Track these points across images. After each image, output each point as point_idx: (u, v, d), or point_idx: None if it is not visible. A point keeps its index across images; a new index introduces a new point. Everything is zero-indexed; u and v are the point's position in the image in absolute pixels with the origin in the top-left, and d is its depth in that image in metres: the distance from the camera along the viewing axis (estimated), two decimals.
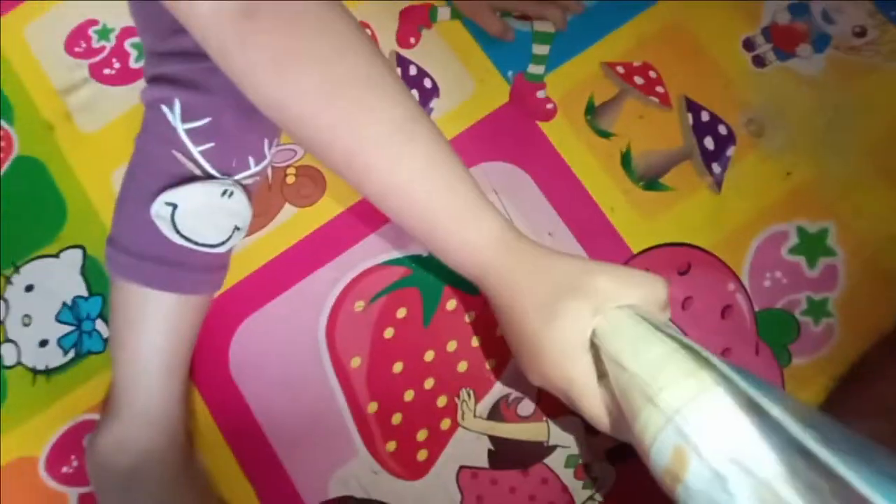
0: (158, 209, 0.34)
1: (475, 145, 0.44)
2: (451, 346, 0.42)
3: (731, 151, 0.43)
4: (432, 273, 0.43)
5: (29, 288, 0.47)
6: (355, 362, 0.42)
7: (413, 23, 0.46)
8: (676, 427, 0.22)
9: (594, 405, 0.28)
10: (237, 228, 0.37)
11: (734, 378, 0.21)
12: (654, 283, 0.29)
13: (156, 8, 0.31)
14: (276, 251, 0.44)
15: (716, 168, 0.43)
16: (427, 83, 0.45)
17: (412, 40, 0.46)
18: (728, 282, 0.42)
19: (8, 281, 0.47)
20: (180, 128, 0.34)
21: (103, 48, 0.49)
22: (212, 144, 0.34)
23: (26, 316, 0.46)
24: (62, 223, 0.47)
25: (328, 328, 0.43)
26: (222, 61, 0.27)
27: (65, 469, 0.43)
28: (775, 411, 0.19)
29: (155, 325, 0.37)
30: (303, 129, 0.28)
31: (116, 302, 0.38)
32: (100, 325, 0.45)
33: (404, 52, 0.46)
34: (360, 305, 0.43)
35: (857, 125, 0.42)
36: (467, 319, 0.42)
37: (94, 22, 0.49)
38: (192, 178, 0.34)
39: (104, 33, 0.49)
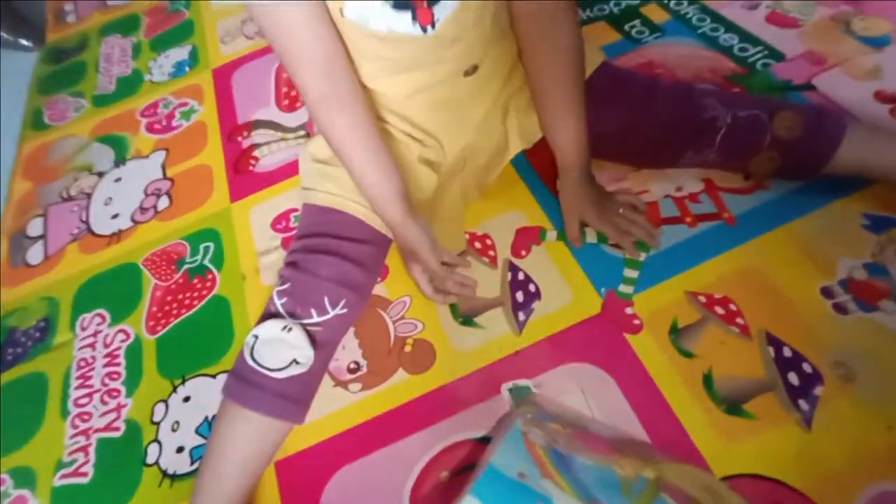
0: (247, 339, 0.48)
1: (568, 346, 0.51)
2: None
3: (818, 391, 0.45)
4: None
5: (186, 399, 0.58)
6: None
7: (526, 239, 0.59)
8: None
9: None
10: (296, 362, 0.47)
11: None
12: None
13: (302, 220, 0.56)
14: (383, 408, 0.52)
15: (803, 405, 0.44)
16: (531, 287, 0.56)
17: (523, 252, 0.58)
18: None
19: (174, 389, 0.59)
20: (275, 289, 0.50)
21: (295, 228, 0.67)
22: (286, 299, 0.49)
23: (176, 422, 0.57)
24: (226, 351, 0.60)
25: (413, 492, 0.47)
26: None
27: None
28: None
29: (236, 438, 0.45)
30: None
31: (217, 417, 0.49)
32: None
33: (516, 261, 0.58)
34: (445, 475, 0.47)
35: None
36: None
37: (296, 209, 0.69)
38: (270, 317, 0.49)
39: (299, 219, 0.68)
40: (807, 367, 0.46)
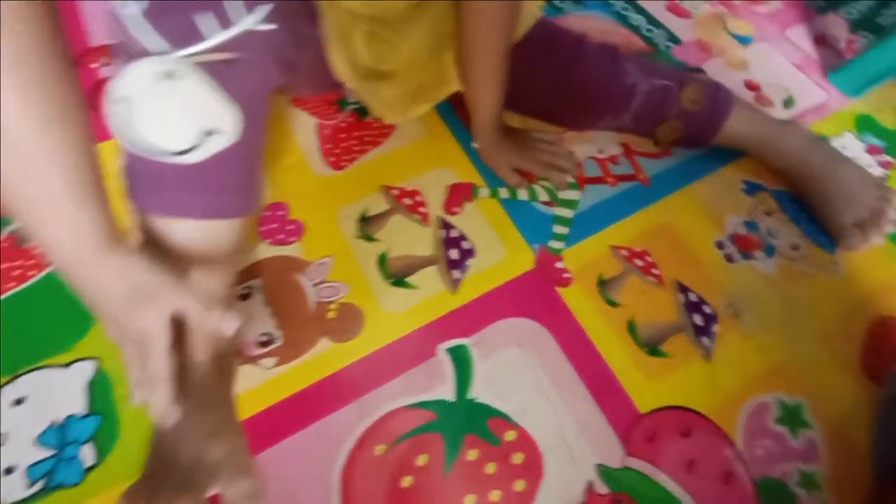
0: (112, 107, 0.26)
1: (504, 302, 0.50)
2: (470, 500, 0.41)
3: (715, 328, 0.51)
4: (456, 419, 0.44)
5: (18, 401, 0.43)
6: None
7: (458, 196, 0.56)
8: None
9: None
10: (210, 132, 0.27)
11: None
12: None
13: None
14: (304, 383, 0.45)
15: (705, 341, 0.50)
16: (465, 245, 0.53)
17: (456, 209, 0.55)
18: (725, 447, 0.45)
19: None
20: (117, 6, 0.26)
21: None
22: (144, 3, 0.26)
23: (3, 434, 0.42)
24: (84, 332, 0.46)
25: (345, 472, 0.41)
26: None
27: None
28: None
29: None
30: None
31: None
32: (86, 451, 0.42)
33: (448, 218, 0.54)
34: (381, 449, 0.42)
35: (809, 317, 0.52)
36: (488, 471, 0.42)
37: None
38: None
39: None
40: (707, 309, 0.52)
